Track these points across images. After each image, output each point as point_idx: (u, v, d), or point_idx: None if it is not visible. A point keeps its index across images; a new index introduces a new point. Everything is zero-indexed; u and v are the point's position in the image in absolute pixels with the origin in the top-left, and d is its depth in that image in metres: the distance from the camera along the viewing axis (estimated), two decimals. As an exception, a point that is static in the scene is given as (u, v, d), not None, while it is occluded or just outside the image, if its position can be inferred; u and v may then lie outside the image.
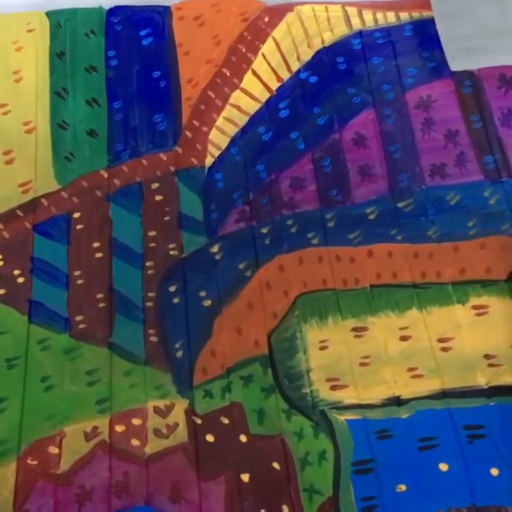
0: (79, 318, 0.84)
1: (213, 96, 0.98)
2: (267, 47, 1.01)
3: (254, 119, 0.97)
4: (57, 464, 0.75)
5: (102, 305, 0.85)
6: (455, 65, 0.97)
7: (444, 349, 0.80)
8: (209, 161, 0.94)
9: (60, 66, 1.00)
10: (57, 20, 1.03)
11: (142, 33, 1.03)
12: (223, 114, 0.97)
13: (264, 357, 0.81)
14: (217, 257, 0.87)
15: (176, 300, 0.85)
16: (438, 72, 0.97)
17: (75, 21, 1.03)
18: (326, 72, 0.99)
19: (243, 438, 0.77)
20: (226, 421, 0.78)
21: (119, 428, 0.77)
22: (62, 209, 0.90)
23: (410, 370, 0.80)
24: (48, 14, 1.03)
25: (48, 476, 0.75)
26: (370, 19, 1.02)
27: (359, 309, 0.84)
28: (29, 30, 1.02)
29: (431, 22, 1.01)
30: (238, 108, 0.97)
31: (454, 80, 0.97)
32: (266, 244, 0.88)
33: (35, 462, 0.75)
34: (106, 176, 0.93)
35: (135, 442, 0.77)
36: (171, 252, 0.88)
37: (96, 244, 0.88)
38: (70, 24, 1.03)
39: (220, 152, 0.95)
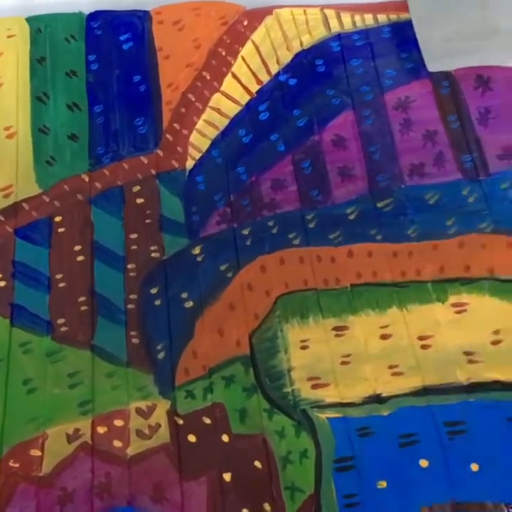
0: (61, 321, 0.84)
1: (194, 99, 0.99)
2: (247, 50, 1.02)
3: (235, 122, 0.97)
4: (39, 466, 0.75)
5: (83, 308, 0.85)
6: (433, 66, 0.98)
7: (424, 347, 0.81)
8: (190, 163, 0.94)
9: (41, 71, 1.00)
10: (38, 25, 1.03)
11: (122, 37, 1.03)
12: (204, 117, 0.98)
13: (246, 357, 0.81)
14: (199, 258, 0.88)
15: (157, 302, 0.85)
16: (416, 73, 0.98)
17: (55, 26, 1.03)
18: (305, 75, 0.99)
19: (225, 438, 0.77)
20: (208, 421, 0.78)
21: (101, 429, 0.78)
22: (44, 213, 0.91)
23: (391, 367, 0.80)
24: (28, 20, 1.04)
25: (30, 479, 0.75)
26: (349, 22, 1.03)
27: (340, 309, 0.84)
28: (9, 36, 1.02)
29: (408, 24, 1.02)
30: (218, 111, 0.98)
31: (431, 80, 0.97)
32: (247, 246, 0.88)
33: (17, 465, 0.75)
34: (87, 179, 0.93)
35: (117, 443, 0.77)
36: (153, 254, 0.88)
37: (77, 248, 0.88)
38: (50, 29, 1.03)
39: (200, 155, 0.95)
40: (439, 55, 0.99)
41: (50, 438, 0.77)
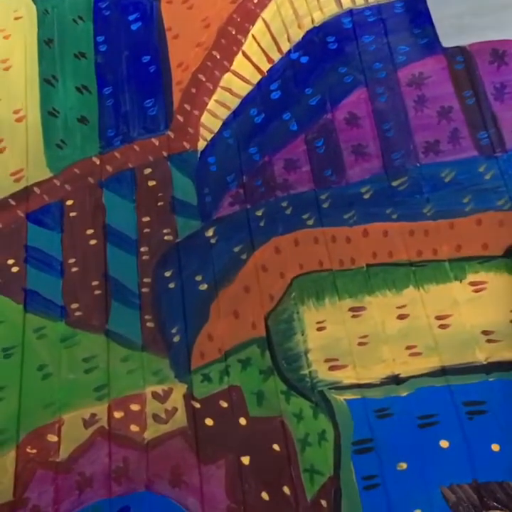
0: (74, 305, 0.83)
1: (204, 79, 0.97)
2: (257, 28, 1.00)
3: (246, 102, 0.96)
4: (56, 451, 0.75)
5: (97, 292, 0.84)
6: (447, 41, 0.96)
7: (442, 326, 0.80)
8: (201, 144, 0.93)
9: (49, 53, 0.99)
10: (44, 6, 1.02)
11: (131, 17, 1.02)
12: (214, 97, 0.96)
13: (262, 339, 0.81)
14: (212, 240, 0.87)
15: (171, 285, 0.84)
16: (430, 49, 0.96)
17: (62, 7, 1.02)
18: (316, 52, 0.98)
19: (242, 421, 0.76)
20: (225, 404, 0.77)
21: (118, 414, 0.77)
22: (55, 197, 0.90)
23: (409, 348, 0.79)
24: (35, 1, 1.03)
25: (48, 464, 0.75)
26: (361, -3, 1.01)
27: (356, 289, 0.83)
28: (16, 18, 1.01)
29: (421, -1, 1.00)
30: (229, 91, 0.96)
31: (445, 56, 0.95)
32: (261, 227, 0.87)
33: (35, 451, 0.75)
34: (98, 162, 0.92)
35: (134, 428, 0.76)
36: (166, 237, 0.87)
37: (90, 231, 0.88)
38: (58, 10, 1.02)
39: (212, 135, 0.94)
40: (453, 32, 0.97)
41: (67, 423, 0.77)
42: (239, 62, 0.99)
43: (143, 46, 1.00)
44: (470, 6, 0.99)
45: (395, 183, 0.89)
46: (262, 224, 0.88)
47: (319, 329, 0.81)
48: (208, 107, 0.96)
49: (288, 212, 0.88)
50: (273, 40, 0.99)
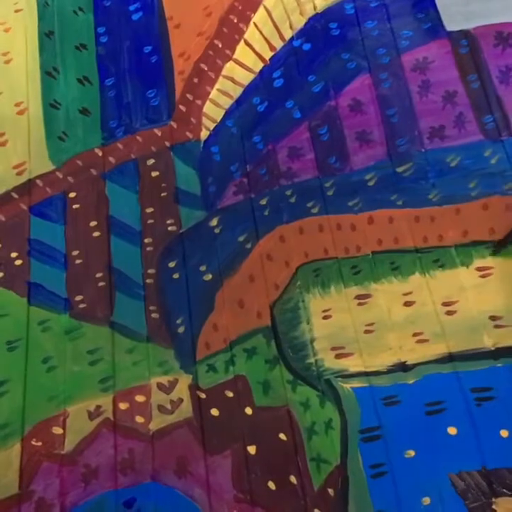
0: (79, 298, 0.83)
1: (206, 68, 0.97)
2: (259, 16, 0.99)
3: (249, 90, 0.95)
4: (61, 444, 0.75)
5: (101, 284, 0.84)
6: (451, 25, 0.95)
7: (449, 312, 0.79)
8: (204, 134, 0.93)
9: (50, 45, 0.99)
10: (45, -2, 1.02)
11: (131, 7, 1.01)
12: (217, 86, 0.96)
13: (267, 329, 0.80)
14: (217, 230, 0.86)
15: (176, 276, 0.84)
16: (433, 33, 0.95)
17: (62, -1, 1.02)
18: (319, 39, 0.97)
19: (248, 410, 0.76)
20: (230, 394, 0.77)
21: (123, 406, 0.77)
22: (58, 189, 0.89)
23: (415, 335, 0.78)
24: (35, -7, 1.02)
25: (53, 457, 0.74)
26: (363, -18, 1.00)
27: (362, 277, 0.82)
28: (16, 11, 1.01)
29: (424, -18, 0.99)
30: (232, 80, 0.96)
31: (450, 40, 0.94)
32: (265, 216, 0.87)
33: (40, 443, 0.75)
34: (100, 154, 0.92)
35: (139, 419, 0.76)
36: (170, 228, 0.87)
37: (93, 223, 0.87)
38: (58, 2, 1.01)
39: (215, 125, 0.93)
40: (460, 18, 0.95)
41: (72, 415, 0.77)
42: (241, 51, 0.98)
43: (144, 36, 0.99)
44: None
45: (399, 170, 0.88)
46: (266, 213, 0.87)
47: (325, 317, 0.80)
48: (211, 96, 0.95)
49: (292, 200, 0.87)
50: (275, 28, 0.99)
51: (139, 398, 0.77)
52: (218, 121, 0.94)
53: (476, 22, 0.95)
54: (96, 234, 0.87)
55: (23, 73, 0.96)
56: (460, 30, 0.95)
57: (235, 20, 1.00)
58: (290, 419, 0.75)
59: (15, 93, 0.95)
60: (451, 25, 0.96)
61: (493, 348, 0.77)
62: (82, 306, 0.83)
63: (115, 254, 0.86)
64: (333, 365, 0.78)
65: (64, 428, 0.76)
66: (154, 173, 0.90)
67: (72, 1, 1.02)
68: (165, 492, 0.73)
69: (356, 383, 0.77)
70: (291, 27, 0.99)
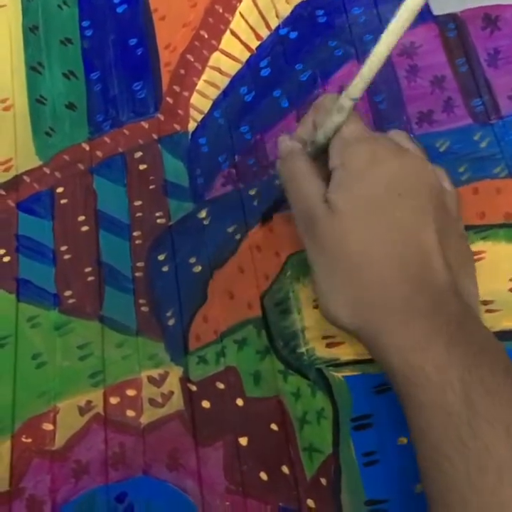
0: (68, 293, 0.83)
1: (192, 59, 0.96)
2: (244, 5, 0.99)
3: (236, 80, 0.94)
4: (52, 440, 0.75)
5: (90, 278, 0.83)
6: (438, 9, 0.94)
7: (441, 298, 0.78)
8: (192, 125, 0.92)
9: (34, 40, 0.98)
10: (28, -7, 1.01)
11: (116, 0, 1.01)
12: (204, 77, 0.95)
13: (258, 319, 0.79)
14: (205, 222, 0.86)
15: (165, 268, 0.83)
16: (421, 17, 0.92)
17: (46, -6, 1.01)
18: (305, 27, 0.96)
19: (239, 402, 0.75)
20: (221, 386, 0.76)
21: (114, 400, 0.76)
22: (45, 185, 0.89)
23: (407, 321, 0.77)
24: (18, -12, 1.01)
25: (44, 453, 0.74)
26: (348, -32, 0.99)
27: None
28: (0, 6, 1.00)
29: (411, -33, 0.98)
30: (219, 70, 0.95)
31: (437, 24, 0.93)
32: (254, 206, 0.86)
33: (30, 440, 0.75)
34: (88, 148, 0.91)
35: (130, 413, 0.76)
36: (158, 221, 0.86)
37: (81, 218, 0.87)
38: (42, -3, 1.01)
39: (202, 116, 0.93)
40: (445, 1, 0.94)
41: (62, 411, 0.76)
42: (227, 41, 0.97)
43: (129, 29, 0.99)
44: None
45: (388, 156, 0.87)
46: (255, 203, 0.86)
47: (316, 307, 0.80)
48: (198, 87, 0.95)
49: (282, 189, 0.87)
50: (261, 17, 0.98)
51: (130, 392, 0.77)
52: (206, 112, 0.93)
53: (464, 5, 0.94)
54: (84, 228, 0.86)
55: (8, 69, 0.96)
56: (447, 14, 0.94)
57: (221, 10, 0.99)
58: (281, 409, 0.75)
59: (0, 89, 0.95)
60: (437, 7, 0.95)
61: (485, 333, 0.76)
62: (71, 301, 0.82)
63: (104, 249, 0.85)
64: (324, 354, 0.77)
65: (54, 424, 0.75)
66: (142, 166, 0.90)
67: (56, -4, 1.01)
68: (157, 485, 0.72)
69: (348, 372, 0.76)
70: (277, 15, 0.98)
